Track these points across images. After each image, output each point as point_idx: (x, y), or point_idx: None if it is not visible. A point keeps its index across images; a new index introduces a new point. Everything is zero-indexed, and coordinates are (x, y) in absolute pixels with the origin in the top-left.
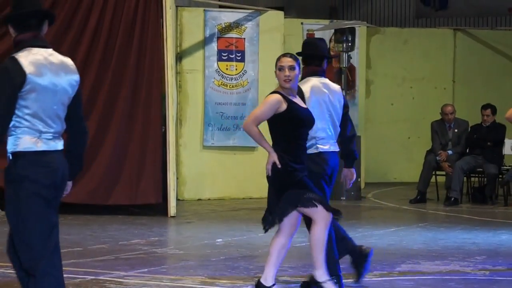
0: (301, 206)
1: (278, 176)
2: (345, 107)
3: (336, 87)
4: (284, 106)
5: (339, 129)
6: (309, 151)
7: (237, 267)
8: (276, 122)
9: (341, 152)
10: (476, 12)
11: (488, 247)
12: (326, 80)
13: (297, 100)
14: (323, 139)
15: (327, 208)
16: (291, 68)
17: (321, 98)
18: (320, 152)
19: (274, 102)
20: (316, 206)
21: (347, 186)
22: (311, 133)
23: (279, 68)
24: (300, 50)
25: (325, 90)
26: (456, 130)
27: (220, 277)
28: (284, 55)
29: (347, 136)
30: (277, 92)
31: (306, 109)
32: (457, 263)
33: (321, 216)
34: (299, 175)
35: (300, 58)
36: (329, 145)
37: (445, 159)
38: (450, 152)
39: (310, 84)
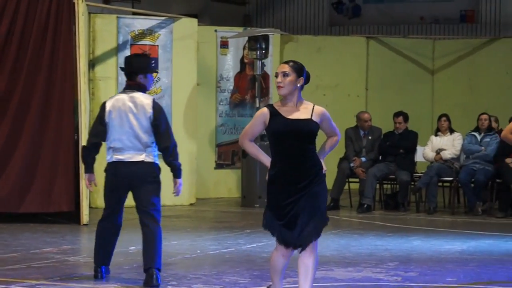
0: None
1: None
2: (155, 120)
3: (144, 101)
4: (268, 119)
5: (148, 140)
6: (107, 160)
7: None
8: (267, 135)
9: None
10: (388, 21)
11: (400, 253)
12: (136, 94)
13: (291, 111)
14: (119, 149)
15: (278, 240)
16: (285, 74)
17: (122, 111)
18: (113, 161)
19: (258, 115)
20: (272, 235)
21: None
22: (108, 143)
23: (275, 75)
24: (214, 57)
25: (129, 103)
26: (370, 137)
27: (133, 285)
28: (285, 61)
29: (159, 149)
30: (269, 105)
31: (295, 121)
32: (369, 270)
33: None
34: (274, 193)
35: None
36: (127, 155)
37: (359, 165)
38: (363, 159)
39: (114, 98)
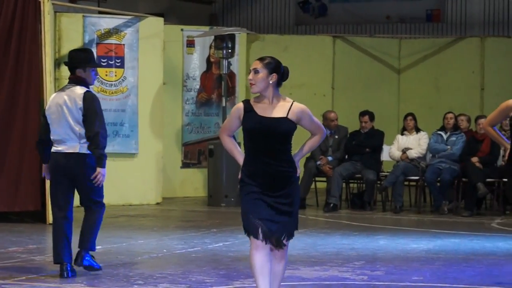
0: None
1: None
2: (84, 111)
3: (77, 92)
4: (242, 115)
5: (82, 131)
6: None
7: (116, 274)
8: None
9: None
10: (354, 20)
11: (367, 252)
12: (73, 86)
13: (266, 108)
14: (59, 141)
15: (256, 236)
16: (255, 71)
17: (59, 104)
18: (53, 152)
19: (233, 110)
20: (247, 236)
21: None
22: (51, 136)
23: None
24: (180, 56)
25: (65, 96)
26: (336, 137)
27: (100, 284)
28: (260, 57)
29: (86, 139)
30: (246, 100)
31: (267, 119)
32: (336, 269)
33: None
34: (248, 191)
35: None
36: (64, 147)
37: (326, 164)
38: (330, 158)
39: (54, 94)
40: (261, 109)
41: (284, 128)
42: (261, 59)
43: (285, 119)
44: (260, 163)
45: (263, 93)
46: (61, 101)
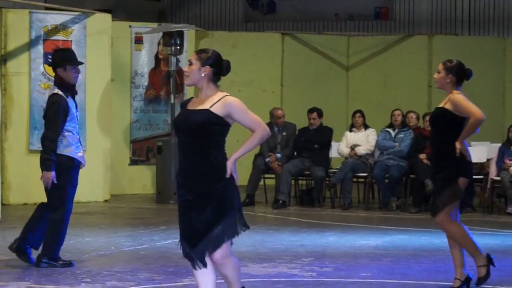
0: None
1: None
2: (44, 113)
3: (49, 94)
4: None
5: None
6: None
7: (63, 272)
8: None
9: None
10: (303, 17)
11: (315, 249)
12: (53, 87)
13: (197, 102)
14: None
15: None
16: (190, 63)
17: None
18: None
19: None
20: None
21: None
22: None
23: None
24: (128, 53)
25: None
26: (284, 133)
27: (46, 282)
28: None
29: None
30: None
31: (189, 111)
32: (285, 265)
33: None
34: (178, 195)
35: None
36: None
37: (274, 161)
38: (279, 155)
39: None
40: (192, 104)
41: (199, 120)
42: (197, 51)
43: (205, 111)
44: (184, 161)
45: (197, 86)
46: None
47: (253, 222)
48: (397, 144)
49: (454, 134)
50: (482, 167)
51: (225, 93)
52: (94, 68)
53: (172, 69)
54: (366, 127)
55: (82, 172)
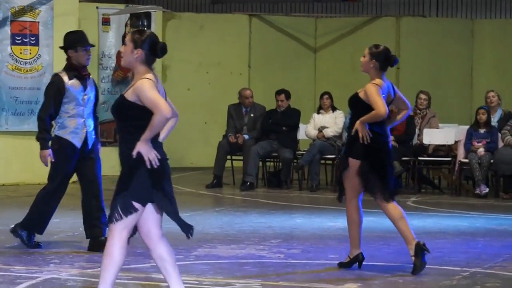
0: None
1: None
2: None
3: None
4: None
5: None
6: None
7: (32, 253)
8: None
9: None
10: None
11: (283, 230)
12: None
13: (129, 85)
14: None
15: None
16: (124, 43)
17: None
18: None
19: None
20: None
21: None
22: None
23: None
24: (95, 34)
25: None
26: (252, 115)
27: (16, 263)
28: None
29: None
30: None
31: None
32: (252, 247)
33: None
34: None
35: None
36: None
37: (236, 141)
38: (246, 136)
39: None
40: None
41: (114, 105)
42: (132, 32)
43: (120, 97)
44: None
45: (131, 69)
46: None
47: (221, 204)
48: None
49: None
50: (450, 149)
51: (150, 77)
52: (61, 49)
53: None
54: (334, 109)
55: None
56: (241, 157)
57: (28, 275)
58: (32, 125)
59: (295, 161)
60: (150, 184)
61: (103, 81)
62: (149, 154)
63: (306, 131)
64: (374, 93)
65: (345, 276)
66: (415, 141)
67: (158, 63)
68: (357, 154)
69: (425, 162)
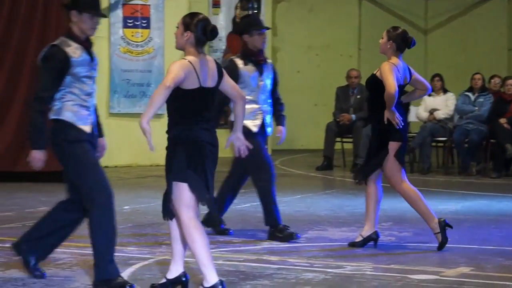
0: None
1: None
2: None
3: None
4: None
5: None
6: None
7: (144, 234)
8: None
9: None
10: None
11: (395, 213)
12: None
13: None
14: None
15: None
16: (177, 26)
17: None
18: None
19: None
20: None
21: None
22: None
23: None
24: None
25: None
26: (358, 96)
27: (127, 243)
28: None
29: None
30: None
31: None
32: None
33: None
34: None
35: None
36: None
37: (344, 120)
38: (353, 117)
39: None
40: None
41: None
42: (184, 15)
43: None
44: None
45: (183, 51)
46: None
47: (332, 186)
48: (476, 108)
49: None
50: None
51: (186, 58)
52: (172, 32)
53: None
54: (445, 91)
55: (161, 135)
56: (351, 139)
57: (140, 256)
58: (144, 107)
59: None
60: (185, 164)
61: None
62: (149, 135)
63: (417, 113)
64: (387, 70)
65: (457, 259)
66: None
67: (268, 45)
68: (395, 137)
69: None
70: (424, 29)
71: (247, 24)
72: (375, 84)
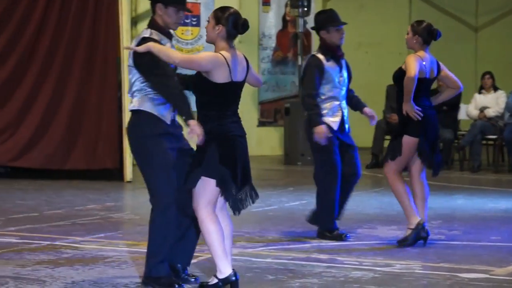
0: None
1: None
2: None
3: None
4: None
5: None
6: None
7: None
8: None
9: None
10: None
11: (444, 211)
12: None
13: None
14: None
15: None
16: (207, 20)
17: None
18: None
19: None
20: None
21: None
22: None
23: None
24: (255, 14)
25: None
26: None
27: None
28: None
29: None
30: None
31: None
32: None
33: None
34: None
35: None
36: None
37: (393, 120)
38: None
39: None
40: None
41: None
42: (215, 9)
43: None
44: None
45: (214, 44)
46: None
47: (380, 184)
48: None
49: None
50: None
51: (219, 51)
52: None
53: (300, 30)
54: (495, 89)
55: None
56: None
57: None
58: (192, 105)
59: (456, 141)
60: (217, 161)
61: (263, 61)
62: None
63: (467, 111)
64: (410, 60)
65: (507, 258)
66: None
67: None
68: (412, 132)
69: None
70: (474, 26)
71: (323, 21)
72: (401, 77)
